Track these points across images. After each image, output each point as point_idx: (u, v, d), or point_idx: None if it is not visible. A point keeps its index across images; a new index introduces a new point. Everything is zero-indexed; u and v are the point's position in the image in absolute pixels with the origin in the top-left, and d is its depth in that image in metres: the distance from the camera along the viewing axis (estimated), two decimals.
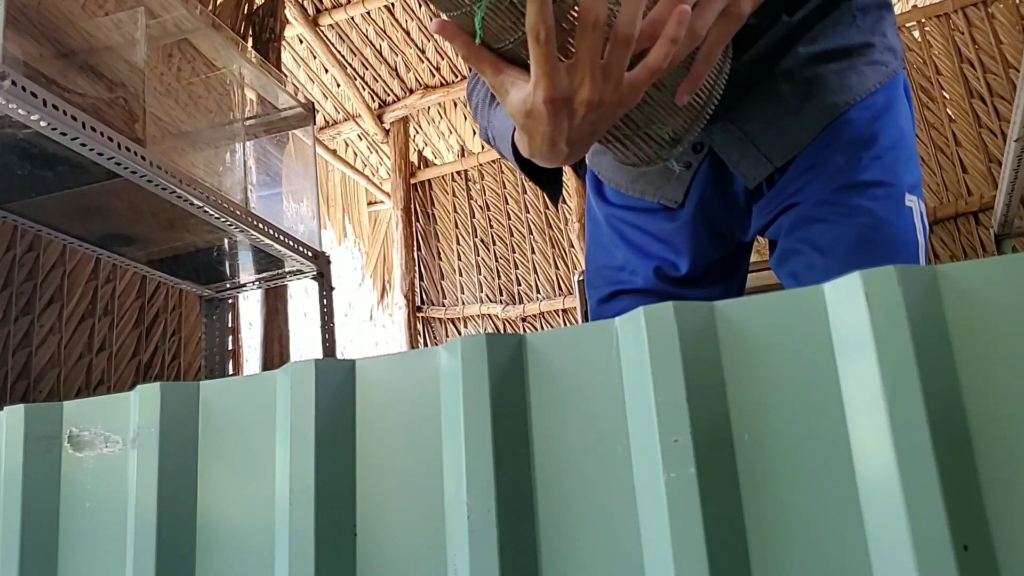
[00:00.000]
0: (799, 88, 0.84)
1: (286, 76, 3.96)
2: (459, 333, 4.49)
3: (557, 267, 4.27)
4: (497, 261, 4.45)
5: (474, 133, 4.57)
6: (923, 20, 3.55)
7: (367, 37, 4.14)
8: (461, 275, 4.54)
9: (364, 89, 4.41)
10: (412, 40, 4.13)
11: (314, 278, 2.14)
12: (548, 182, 0.84)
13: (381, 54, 4.23)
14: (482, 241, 4.51)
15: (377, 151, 4.84)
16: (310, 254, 2.06)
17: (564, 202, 4.30)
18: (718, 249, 0.95)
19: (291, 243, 1.95)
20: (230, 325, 2.31)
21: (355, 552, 0.45)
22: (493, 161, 4.53)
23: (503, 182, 4.50)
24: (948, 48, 3.50)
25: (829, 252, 0.82)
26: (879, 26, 0.87)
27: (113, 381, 2.10)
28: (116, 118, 1.42)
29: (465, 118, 4.54)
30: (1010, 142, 2.19)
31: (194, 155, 1.69)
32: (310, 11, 3.95)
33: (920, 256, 0.83)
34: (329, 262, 2.16)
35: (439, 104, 4.49)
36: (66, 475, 0.54)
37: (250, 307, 2.73)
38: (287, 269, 2.12)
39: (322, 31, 4.03)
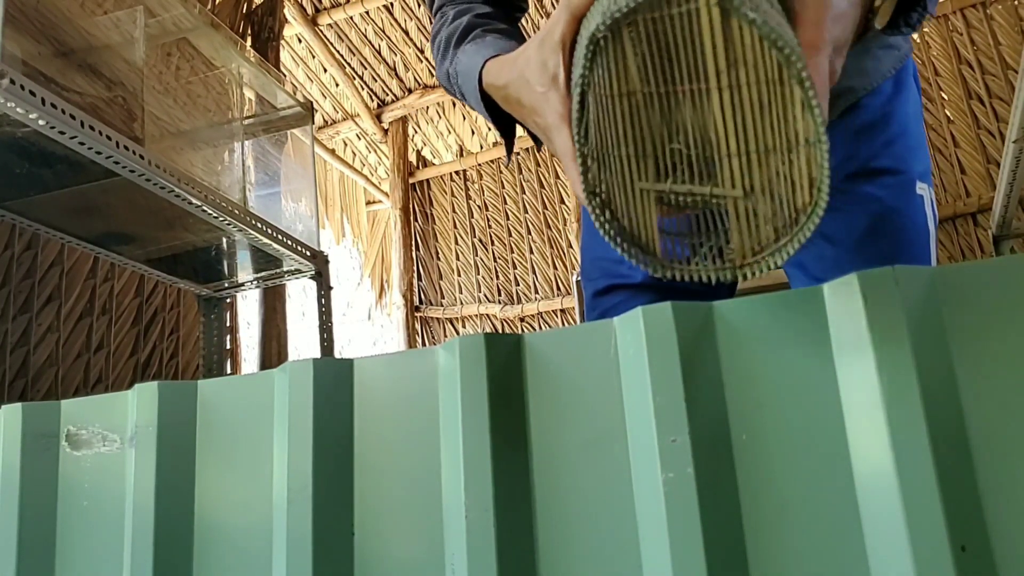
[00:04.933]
0: None
1: (285, 75, 3.96)
2: (457, 333, 4.49)
3: (555, 267, 4.27)
4: (495, 261, 4.45)
5: (473, 132, 4.57)
6: None
7: (366, 37, 4.13)
8: (459, 275, 4.53)
9: (363, 89, 4.41)
10: (411, 40, 4.13)
11: (312, 277, 2.14)
12: (508, 131, 0.78)
13: (380, 54, 4.23)
14: (480, 241, 4.51)
15: (376, 151, 4.84)
16: (308, 253, 2.06)
17: (563, 202, 4.30)
18: None
19: (289, 242, 1.95)
20: (228, 324, 2.30)
21: (353, 552, 0.45)
22: (492, 161, 4.53)
23: (501, 182, 4.50)
24: (947, 49, 3.50)
25: (839, 241, 0.81)
26: None
27: (111, 380, 2.10)
28: (115, 117, 1.42)
29: (464, 118, 4.54)
30: (1008, 143, 2.19)
31: (193, 154, 1.69)
32: (309, 10, 3.94)
33: (931, 245, 0.83)
34: (327, 261, 2.16)
35: (438, 104, 4.49)
36: (64, 474, 0.54)
37: (248, 306, 2.73)
38: (285, 268, 2.12)
39: (321, 30, 4.03)
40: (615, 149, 0.47)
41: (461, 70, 0.77)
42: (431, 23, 0.88)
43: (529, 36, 0.66)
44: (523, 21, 0.77)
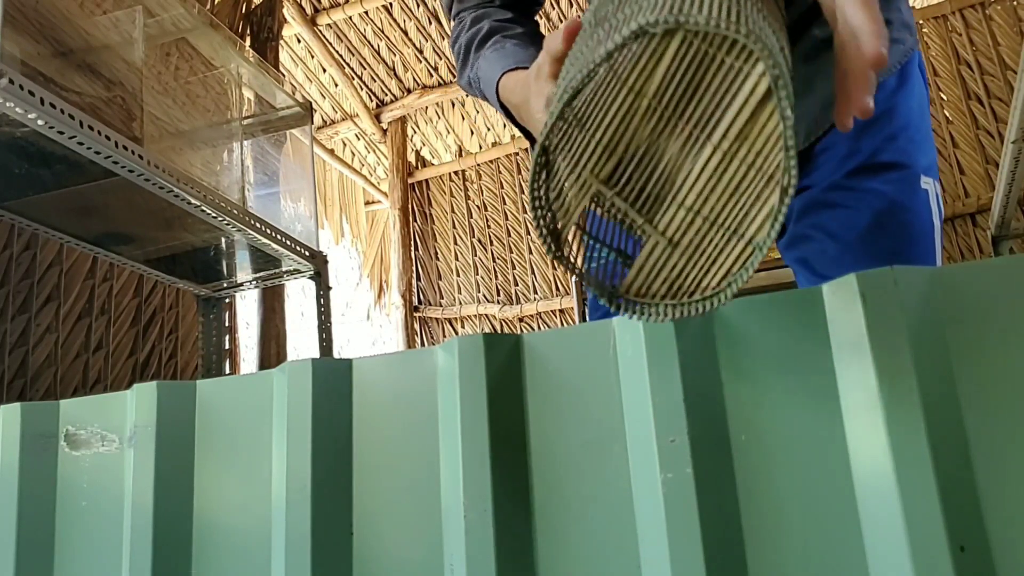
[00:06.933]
0: (818, 71, 0.82)
1: (284, 75, 3.96)
2: (456, 333, 4.49)
3: (554, 267, 4.27)
4: (494, 261, 4.45)
5: (472, 133, 4.57)
6: (921, 22, 3.56)
7: (365, 37, 4.13)
8: (458, 275, 4.53)
9: (362, 89, 4.41)
10: (410, 40, 4.13)
11: (311, 277, 2.14)
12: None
13: (379, 54, 4.23)
14: (479, 241, 4.51)
15: (375, 151, 4.84)
16: (307, 253, 2.06)
17: None
18: None
19: (288, 242, 1.95)
20: (227, 324, 2.30)
21: (351, 552, 0.45)
22: (491, 161, 4.53)
23: (500, 182, 4.50)
24: (946, 50, 3.50)
25: (842, 238, 0.81)
26: (893, 2, 0.84)
27: (110, 380, 2.10)
28: (114, 117, 1.42)
29: (463, 118, 4.54)
30: (1007, 144, 2.19)
31: (192, 154, 1.69)
32: (308, 10, 3.94)
33: (936, 241, 0.82)
34: (326, 261, 2.16)
35: (437, 104, 4.48)
36: (62, 474, 0.54)
37: (247, 306, 2.73)
38: (284, 268, 2.12)
39: (320, 31, 4.03)
40: (589, 131, 0.46)
41: (483, 76, 0.83)
42: (449, 27, 0.94)
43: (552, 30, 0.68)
44: (553, 12, 0.81)
